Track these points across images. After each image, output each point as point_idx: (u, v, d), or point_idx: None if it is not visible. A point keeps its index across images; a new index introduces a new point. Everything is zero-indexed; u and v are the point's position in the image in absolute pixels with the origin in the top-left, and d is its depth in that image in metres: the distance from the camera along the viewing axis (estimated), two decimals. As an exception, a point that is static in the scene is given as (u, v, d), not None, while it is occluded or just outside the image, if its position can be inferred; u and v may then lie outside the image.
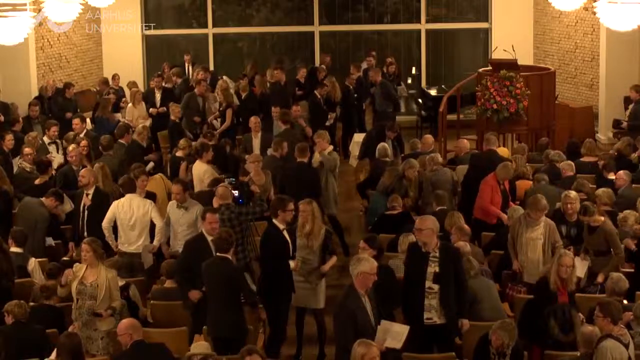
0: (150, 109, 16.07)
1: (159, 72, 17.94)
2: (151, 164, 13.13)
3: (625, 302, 8.04)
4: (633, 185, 11.20)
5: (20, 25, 10.28)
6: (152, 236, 10.10)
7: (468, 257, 8.53)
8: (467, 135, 15.00)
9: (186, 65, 19.15)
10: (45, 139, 13.58)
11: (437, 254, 7.84)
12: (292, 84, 17.60)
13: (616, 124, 15.72)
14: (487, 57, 18.44)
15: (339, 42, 21.04)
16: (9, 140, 12.96)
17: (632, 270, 9.13)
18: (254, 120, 13.64)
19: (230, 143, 13.67)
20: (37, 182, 11.47)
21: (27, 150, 12.07)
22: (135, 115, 15.75)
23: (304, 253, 8.97)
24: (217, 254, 8.24)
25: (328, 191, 11.77)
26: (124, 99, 17.05)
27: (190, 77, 17.98)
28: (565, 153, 12.50)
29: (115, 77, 18.04)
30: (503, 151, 12.56)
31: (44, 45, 17.46)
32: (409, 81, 20.55)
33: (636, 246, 9.41)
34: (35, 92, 16.30)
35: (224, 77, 17.84)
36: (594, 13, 12.22)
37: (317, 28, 20.75)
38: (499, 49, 14.81)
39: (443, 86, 19.06)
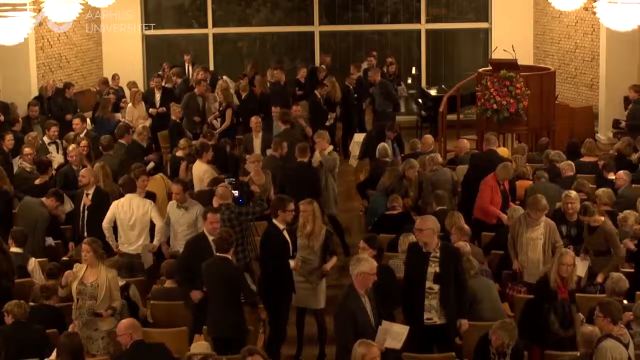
0: (150, 109, 16.07)
1: (159, 73, 17.96)
2: (151, 164, 13.14)
3: (625, 302, 8.04)
4: (633, 185, 11.21)
5: (20, 25, 10.27)
6: (152, 236, 10.10)
7: (468, 256, 8.53)
8: (467, 135, 15.00)
9: (186, 65, 19.14)
10: (45, 139, 13.57)
11: (438, 254, 7.85)
12: (292, 84, 17.60)
13: (615, 124, 15.73)
14: (487, 57, 18.44)
15: (339, 42, 21.04)
16: (9, 140, 12.96)
17: (632, 270, 9.13)
18: (255, 121, 13.63)
19: (231, 143, 13.68)
20: (37, 182, 11.47)
21: (27, 150, 12.06)
22: (135, 116, 15.75)
23: (304, 253, 8.97)
24: (217, 254, 8.24)
25: (328, 191, 11.76)
26: (124, 99, 17.04)
27: (190, 77, 17.98)
28: (565, 153, 12.50)
29: (115, 77, 18.04)
30: (503, 151, 12.56)
31: (44, 45, 17.46)
32: (409, 81, 20.55)
33: (636, 246, 9.41)
34: (35, 92, 16.29)
35: (224, 77, 17.84)
36: (594, 13, 12.22)
37: (317, 28, 20.74)
38: (499, 49, 14.81)
39: (443, 86, 19.06)
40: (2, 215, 10.61)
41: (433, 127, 17.44)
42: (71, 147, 12.25)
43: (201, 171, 11.60)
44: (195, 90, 15.75)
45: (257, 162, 11.58)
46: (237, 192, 10.57)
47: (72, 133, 13.45)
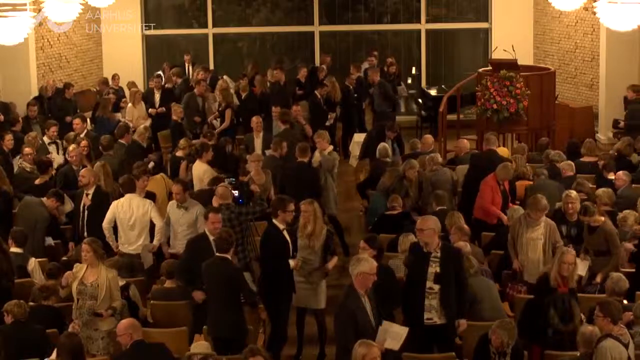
0: (150, 109, 16.08)
1: (158, 73, 17.96)
2: (152, 164, 13.13)
3: (625, 302, 8.04)
4: (633, 185, 11.21)
5: (20, 25, 10.28)
6: (152, 236, 10.10)
7: (467, 255, 8.53)
8: (467, 135, 15.00)
9: (186, 65, 19.15)
10: (45, 139, 13.58)
11: (438, 254, 7.85)
12: (292, 84, 17.62)
13: (615, 124, 15.73)
14: (487, 57, 18.44)
15: (339, 42, 21.05)
16: (9, 140, 12.96)
17: (632, 270, 9.13)
18: (256, 120, 13.63)
19: (231, 142, 13.68)
20: (37, 182, 11.47)
21: (27, 150, 12.07)
22: (135, 116, 15.75)
23: (305, 253, 8.96)
24: (217, 254, 8.24)
25: (328, 191, 11.77)
26: (123, 99, 17.05)
27: (190, 77, 17.98)
28: (565, 153, 12.50)
29: (115, 77, 18.05)
30: (503, 151, 12.56)
31: (44, 45, 17.46)
32: (409, 81, 20.56)
33: (636, 246, 9.41)
34: (35, 92, 16.30)
35: (224, 77, 17.85)
36: (594, 13, 12.22)
37: (317, 28, 20.75)
38: (499, 49, 14.81)
39: (443, 86, 19.07)
40: (2, 215, 10.61)
41: (433, 127, 17.44)
42: (71, 147, 12.25)
43: (201, 171, 11.60)
44: (195, 90, 15.75)
45: (258, 161, 11.58)
46: (237, 192, 10.58)
47: (72, 133, 13.45)
